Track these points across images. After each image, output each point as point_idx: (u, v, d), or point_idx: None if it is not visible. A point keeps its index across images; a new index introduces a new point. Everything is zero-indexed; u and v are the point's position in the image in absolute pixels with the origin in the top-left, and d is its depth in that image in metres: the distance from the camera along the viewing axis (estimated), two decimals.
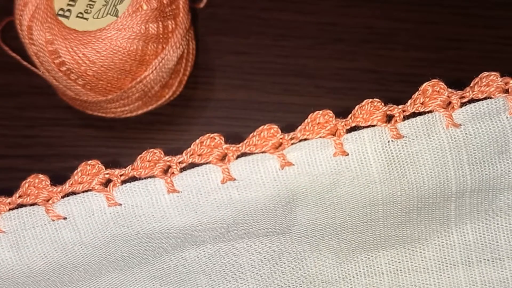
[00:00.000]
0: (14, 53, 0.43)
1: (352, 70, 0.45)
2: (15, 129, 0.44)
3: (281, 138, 0.30)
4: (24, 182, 0.30)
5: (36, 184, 0.30)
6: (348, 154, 0.30)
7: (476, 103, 0.30)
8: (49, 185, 0.30)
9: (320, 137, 0.30)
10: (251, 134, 0.30)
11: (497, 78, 0.30)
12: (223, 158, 0.30)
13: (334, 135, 0.30)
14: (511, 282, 0.34)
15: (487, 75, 0.30)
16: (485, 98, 0.30)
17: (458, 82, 0.31)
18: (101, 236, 0.30)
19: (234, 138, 0.31)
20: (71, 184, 0.30)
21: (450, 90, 0.30)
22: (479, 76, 0.30)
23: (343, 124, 0.30)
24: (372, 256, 0.35)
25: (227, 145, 0.30)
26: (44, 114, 0.44)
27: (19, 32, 0.38)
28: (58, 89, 0.41)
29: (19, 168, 0.43)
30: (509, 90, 0.30)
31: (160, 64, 0.39)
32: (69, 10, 0.38)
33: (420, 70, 0.45)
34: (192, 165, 0.30)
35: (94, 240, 0.30)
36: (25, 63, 0.42)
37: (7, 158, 0.43)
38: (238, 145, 0.30)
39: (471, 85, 0.30)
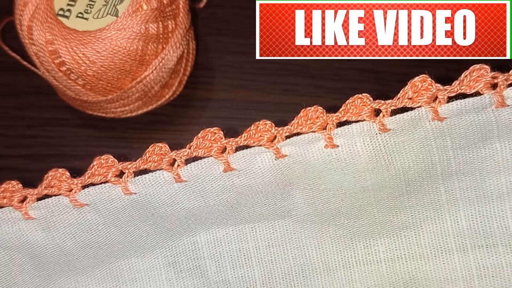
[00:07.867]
0: (14, 53, 0.43)
1: (352, 70, 0.45)
2: (15, 129, 0.44)
3: (276, 132, 0.32)
4: (46, 175, 0.33)
5: (58, 177, 0.33)
6: (338, 147, 0.32)
7: (462, 100, 0.31)
8: (70, 178, 0.33)
9: (312, 131, 0.32)
10: (248, 128, 0.32)
11: (486, 72, 0.31)
12: (223, 150, 0.33)
13: (325, 129, 0.32)
14: (505, 268, 0.34)
15: (478, 69, 0.31)
16: (472, 94, 0.31)
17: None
18: (121, 216, 0.34)
19: (232, 132, 0.33)
20: (90, 176, 0.33)
21: (437, 85, 0.31)
22: (470, 69, 0.31)
23: (333, 118, 0.32)
24: (370, 244, 0.36)
25: (227, 139, 0.33)
26: (44, 114, 0.44)
27: (19, 32, 0.38)
28: (58, 89, 0.41)
29: (19, 168, 0.43)
30: (497, 85, 0.31)
31: (160, 64, 0.39)
32: (69, 10, 0.38)
33: (420, 70, 0.45)
34: (194, 159, 0.33)
35: (115, 220, 0.34)
36: (25, 63, 0.42)
37: (7, 158, 0.43)
38: (236, 139, 0.32)
39: (461, 78, 0.31)
